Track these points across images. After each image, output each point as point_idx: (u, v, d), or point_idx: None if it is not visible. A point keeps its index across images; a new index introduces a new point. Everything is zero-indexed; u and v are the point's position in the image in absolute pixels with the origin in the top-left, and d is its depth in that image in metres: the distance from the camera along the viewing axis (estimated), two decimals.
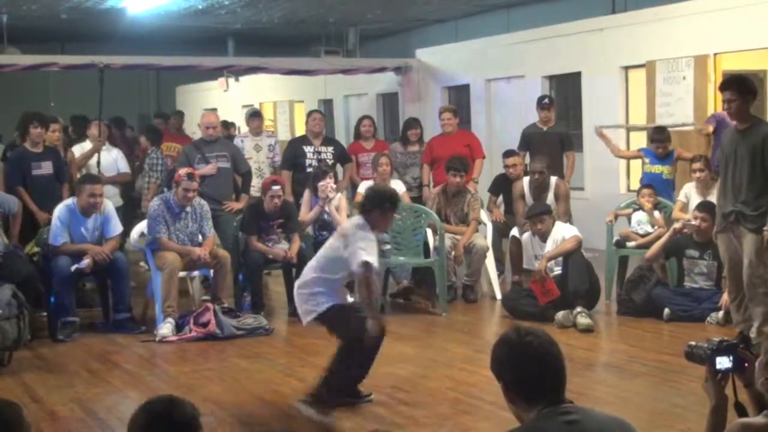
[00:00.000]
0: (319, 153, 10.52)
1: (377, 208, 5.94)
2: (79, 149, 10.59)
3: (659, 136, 10.09)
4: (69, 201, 8.50)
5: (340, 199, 9.50)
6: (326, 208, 9.32)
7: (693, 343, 3.48)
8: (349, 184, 10.89)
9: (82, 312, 8.65)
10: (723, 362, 3.36)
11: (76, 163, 10.31)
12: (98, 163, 10.21)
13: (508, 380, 3.02)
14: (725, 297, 7.79)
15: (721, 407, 3.35)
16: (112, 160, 10.60)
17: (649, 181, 9.70)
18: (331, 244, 6.01)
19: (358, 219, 6.01)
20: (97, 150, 10.29)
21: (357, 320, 5.74)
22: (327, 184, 9.27)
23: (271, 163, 11.19)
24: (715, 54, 11.38)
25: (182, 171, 8.69)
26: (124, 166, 10.81)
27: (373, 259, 5.70)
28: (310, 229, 9.41)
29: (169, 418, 2.80)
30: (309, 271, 6.02)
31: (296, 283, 6.13)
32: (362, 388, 6.09)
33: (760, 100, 10.22)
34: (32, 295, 8.10)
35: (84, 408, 6.18)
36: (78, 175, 9.80)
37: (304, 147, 10.60)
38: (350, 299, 6.42)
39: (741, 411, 3.36)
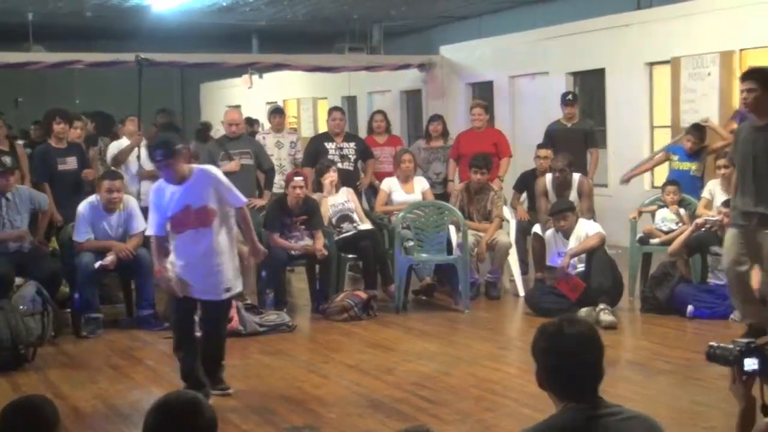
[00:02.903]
0: (341, 149, 10.53)
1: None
2: (116, 146, 10.50)
3: (697, 132, 9.99)
4: (93, 198, 8.52)
5: (348, 193, 9.57)
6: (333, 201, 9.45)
7: (715, 343, 3.40)
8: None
9: (105, 308, 8.71)
10: (751, 364, 3.30)
11: (117, 159, 10.24)
12: (138, 157, 10.14)
13: (540, 370, 2.97)
14: None
15: (750, 409, 3.30)
16: None
17: (676, 178, 9.59)
18: None
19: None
20: (135, 145, 10.17)
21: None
22: (330, 177, 9.51)
23: (293, 160, 11.22)
24: (740, 50, 11.28)
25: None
26: None
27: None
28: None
29: (188, 421, 2.75)
30: None
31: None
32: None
33: None
34: (56, 291, 8.18)
35: (107, 404, 6.22)
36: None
37: (326, 143, 10.62)
38: None
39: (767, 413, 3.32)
